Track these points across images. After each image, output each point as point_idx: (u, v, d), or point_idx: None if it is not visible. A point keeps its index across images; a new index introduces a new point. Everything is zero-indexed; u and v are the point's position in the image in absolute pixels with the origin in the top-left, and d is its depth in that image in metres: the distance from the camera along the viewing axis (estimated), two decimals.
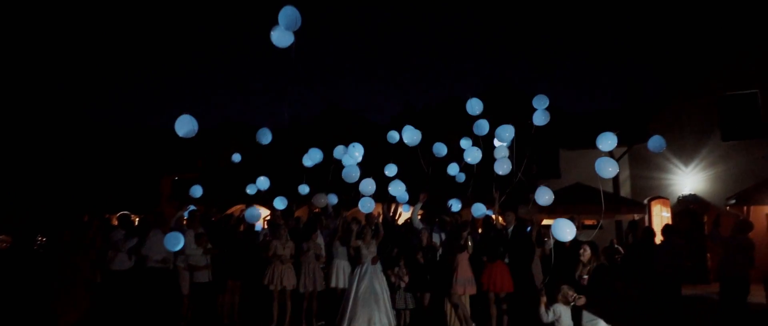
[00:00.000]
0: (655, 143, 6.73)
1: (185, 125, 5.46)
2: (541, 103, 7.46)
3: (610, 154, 13.44)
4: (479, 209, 7.38)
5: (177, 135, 5.48)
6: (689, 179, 12.83)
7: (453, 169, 8.43)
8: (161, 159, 22.34)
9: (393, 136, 8.35)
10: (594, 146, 6.58)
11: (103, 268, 6.94)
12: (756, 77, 12.53)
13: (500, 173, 7.32)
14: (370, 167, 7.87)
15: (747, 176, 12.05)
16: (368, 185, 6.94)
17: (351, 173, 7.13)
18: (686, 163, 12.93)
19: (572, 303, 4.87)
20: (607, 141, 6.40)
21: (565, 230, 5.27)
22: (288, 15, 4.88)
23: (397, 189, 7.37)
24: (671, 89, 13.83)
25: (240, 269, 7.18)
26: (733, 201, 11.56)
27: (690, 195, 12.58)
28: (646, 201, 12.98)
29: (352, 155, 7.67)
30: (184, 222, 7.40)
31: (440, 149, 8.30)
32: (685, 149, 12.89)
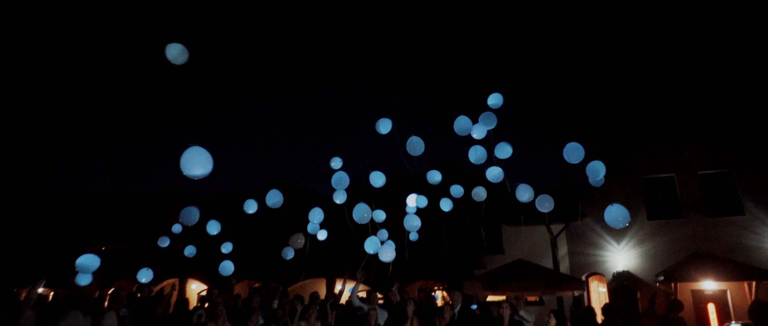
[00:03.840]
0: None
1: (196, 162, 3.90)
2: (495, 100, 7.37)
3: (549, 230, 14.04)
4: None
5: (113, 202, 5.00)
6: (622, 256, 13.49)
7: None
8: (85, 227, 20.62)
9: (337, 162, 8.14)
10: (535, 223, 6.83)
11: None
12: (672, 162, 13.82)
13: (543, 211, 7.23)
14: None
15: (672, 253, 12.91)
16: (389, 251, 6.80)
17: (363, 214, 6.97)
18: (618, 241, 13.66)
19: None
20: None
21: (617, 218, 5.30)
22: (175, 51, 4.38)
23: (413, 221, 7.20)
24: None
25: None
26: (662, 278, 12.23)
27: (623, 272, 13.16)
28: (584, 277, 13.43)
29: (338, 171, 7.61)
30: (106, 303, 6.69)
31: (435, 176, 8.16)
32: (616, 228, 13.63)
